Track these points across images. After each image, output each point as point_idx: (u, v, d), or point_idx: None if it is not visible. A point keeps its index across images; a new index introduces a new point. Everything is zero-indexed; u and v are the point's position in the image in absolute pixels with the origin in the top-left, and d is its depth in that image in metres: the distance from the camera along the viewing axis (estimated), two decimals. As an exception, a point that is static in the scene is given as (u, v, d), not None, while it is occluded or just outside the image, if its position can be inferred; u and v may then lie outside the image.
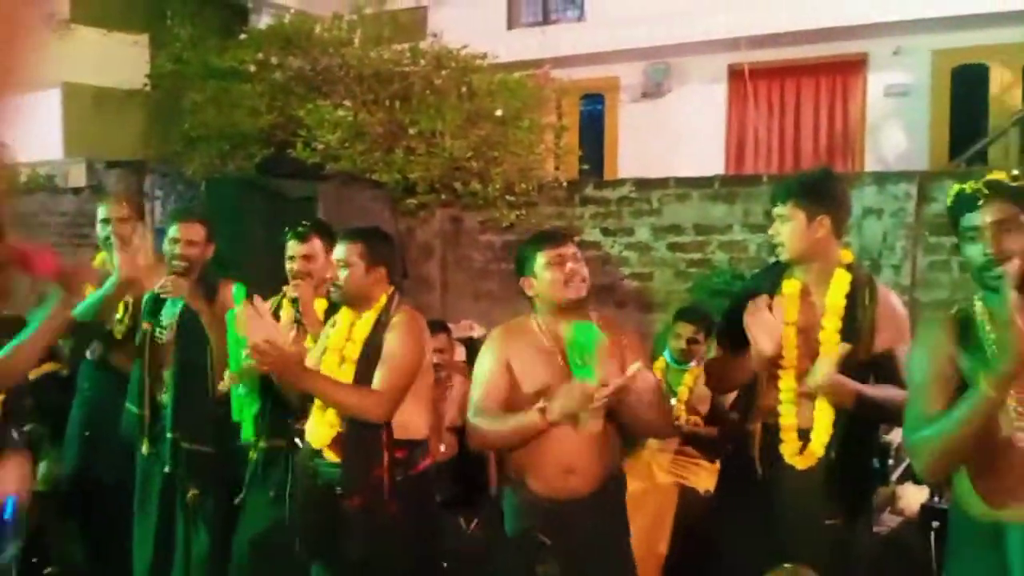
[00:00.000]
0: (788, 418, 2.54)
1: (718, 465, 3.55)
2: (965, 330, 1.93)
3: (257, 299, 2.89)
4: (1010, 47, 6.35)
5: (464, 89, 5.55)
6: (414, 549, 2.74)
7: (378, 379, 2.64)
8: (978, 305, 1.93)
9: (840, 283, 2.57)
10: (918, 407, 1.94)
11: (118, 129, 7.10)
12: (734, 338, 2.68)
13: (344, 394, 2.65)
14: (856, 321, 2.53)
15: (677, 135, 7.03)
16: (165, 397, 3.27)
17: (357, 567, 2.72)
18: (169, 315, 3.32)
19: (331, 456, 2.86)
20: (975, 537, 1.94)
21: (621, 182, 5.33)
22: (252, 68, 5.77)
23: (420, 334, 2.73)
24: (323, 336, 2.94)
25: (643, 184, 5.20)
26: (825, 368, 2.43)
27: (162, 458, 3.23)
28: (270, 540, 3.11)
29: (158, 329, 3.31)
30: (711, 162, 6.78)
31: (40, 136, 7.92)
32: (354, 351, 2.76)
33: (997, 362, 1.77)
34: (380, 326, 2.73)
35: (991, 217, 1.81)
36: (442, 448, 3.84)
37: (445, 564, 3.29)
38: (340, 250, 2.79)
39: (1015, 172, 1.90)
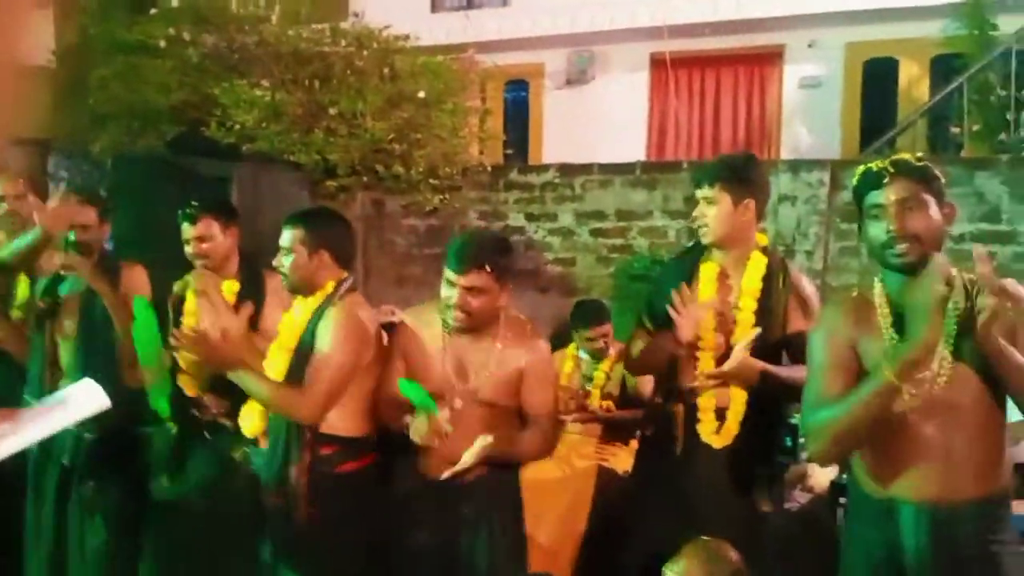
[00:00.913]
0: (706, 398, 2.60)
1: (634, 446, 3.61)
2: (865, 314, 1.97)
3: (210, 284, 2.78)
4: (919, 41, 6.59)
5: (386, 71, 5.45)
6: (332, 551, 2.62)
7: (308, 378, 2.51)
8: (876, 287, 1.98)
9: (756, 266, 2.63)
10: (816, 390, 1.97)
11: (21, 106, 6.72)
12: (654, 323, 2.72)
13: (272, 393, 2.53)
14: (771, 304, 2.60)
15: (601, 122, 7.08)
16: (64, 384, 3.13)
17: (275, 565, 2.65)
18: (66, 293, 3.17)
19: (263, 443, 2.78)
20: (870, 513, 2.00)
21: (545, 167, 5.34)
22: (162, 43, 5.54)
23: (359, 326, 2.54)
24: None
25: (567, 170, 5.22)
26: (737, 352, 2.49)
27: (59, 449, 3.09)
28: (190, 532, 3.01)
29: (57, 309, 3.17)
30: (633, 149, 6.85)
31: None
32: (290, 339, 2.64)
33: (903, 349, 1.81)
34: (316, 317, 2.62)
35: (895, 195, 1.84)
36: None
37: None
38: (282, 235, 2.66)
39: (918, 155, 1.95)
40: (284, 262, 2.63)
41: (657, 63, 7.33)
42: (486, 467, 2.52)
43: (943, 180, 1.90)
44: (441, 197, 5.37)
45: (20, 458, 3.17)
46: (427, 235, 5.53)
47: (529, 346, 2.58)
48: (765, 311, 2.59)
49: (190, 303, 3.07)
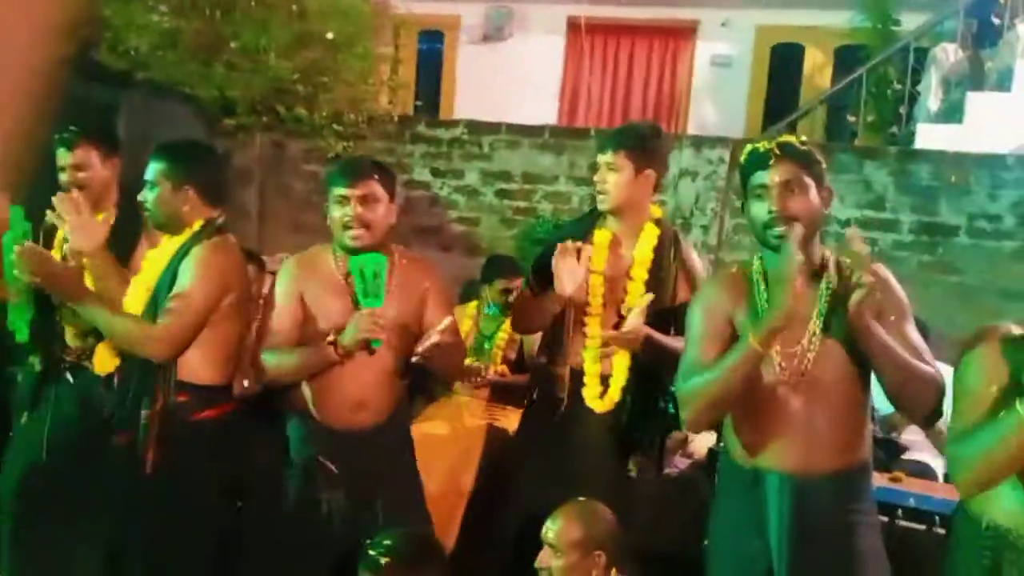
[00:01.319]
0: (592, 364, 2.65)
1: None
2: (744, 289, 2.03)
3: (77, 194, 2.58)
4: (825, 30, 6.79)
5: (295, 7, 5.22)
6: (174, 499, 2.52)
7: (162, 314, 2.40)
8: (755, 264, 2.04)
9: (649, 236, 2.68)
10: (690, 359, 2.03)
11: None
12: (541, 282, 2.72)
13: (121, 323, 2.41)
14: (661, 274, 2.66)
15: (514, 82, 7.01)
16: None
17: (118, 508, 2.54)
18: None
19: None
20: (737, 482, 2.08)
21: (454, 123, 5.26)
22: (52, -45, 5.13)
23: (223, 268, 2.46)
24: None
25: (475, 127, 5.16)
26: (633, 317, 2.53)
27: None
28: (43, 474, 2.86)
29: None
30: (545, 112, 6.83)
31: None
32: (150, 278, 2.52)
33: (765, 316, 1.87)
34: (180, 254, 2.50)
35: (779, 177, 1.90)
36: (245, 383, 3.66)
37: (240, 503, 3.13)
38: (148, 168, 2.53)
39: (803, 138, 2.00)
40: (148, 196, 2.51)
41: (574, 27, 7.30)
42: (387, 416, 2.50)
43: (824, 165, 1.96)
44: (345, 144, 5.22)
45: None
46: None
47: (427, 268, 2.61)
48: (655, 281, 2.65)
49: (60, 235, 2.88)
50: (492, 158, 5.09)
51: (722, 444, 2.19)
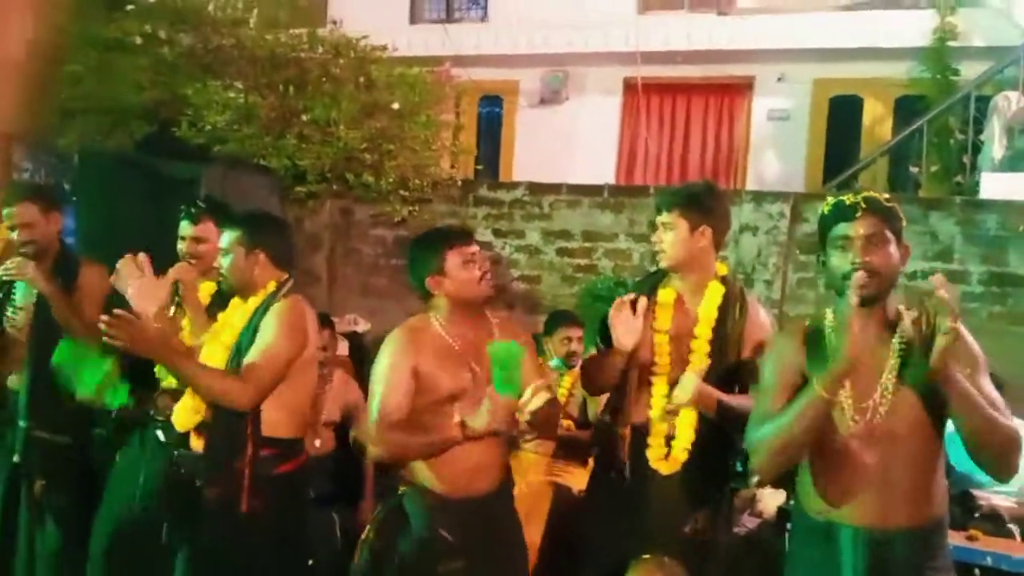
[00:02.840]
0: (657, 424, 2.62)
1: (591, 465, 3.66)
2: (816, 341, 2.04)
3: (142, 258, 2.76)
4: (883, 81, 6.78)
5: (362, 79, 5.47)
6: (271, 547, 2.65)
7: (246, 366, 2.54)
8: (828, 316, 2.06)
9: (714, 294, 2.68)
10: (761, 409, 2.06)
11: (-11, 95, 6.62)
12: (608, 340, 2.76)
13: (208, 377, 2.55)
14: (726, 332, 2.64)
15: (572, 142, 7.16)
16: (12, 381, 3.10)
17: (214, 559, 2.64)
18: (23, 298, 3.15)
19: (195, 444, 2.78)
20: (812, 535, 2.07)
21: (515, 184, 5.39)
22: (138, 40, 5.51)
23: (301, 325, 2.62)
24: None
25: (536, 188, 5.28)
26: (690, 384, 2.53)
27: (9, 448, 3.06)
28: (133, 528, 3.00)
29: (11, 309, 3.14)
30: (603, 171, 6.93)
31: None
32: (230, 337, 2.67)
33: (831, 364, 1.88)
34: (259, 314, 2.65)
35: (864, 230, 1.93)
36: (317, 443, 3.77)
37: (311, 562, 3.23)
38: (222, 236, 2.70)
39: (886, 195, 2.04)
40: (223, 263, 2.67)
41: (630, 87, 7.43)
42: (499, 483, 2.53)
43: (903, 222, 1.99)
44: (410, 209, 5.39)
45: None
46: (394, 246, 5.54)
47: (517, 329, 2.66)
48: (720, 339, 2.62)
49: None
50: (552, 217, 5.19)
51: (795, 499, 2.18)
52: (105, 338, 2.45)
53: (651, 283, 2.78)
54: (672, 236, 2.62)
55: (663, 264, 2.68)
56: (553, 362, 3.93)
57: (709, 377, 2.58)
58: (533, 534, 3.54)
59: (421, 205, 5.41)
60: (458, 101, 6.47)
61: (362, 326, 4.81)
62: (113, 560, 2.98)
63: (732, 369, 2.63)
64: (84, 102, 5.66)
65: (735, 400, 2.60)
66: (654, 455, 2.64)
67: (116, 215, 4.43)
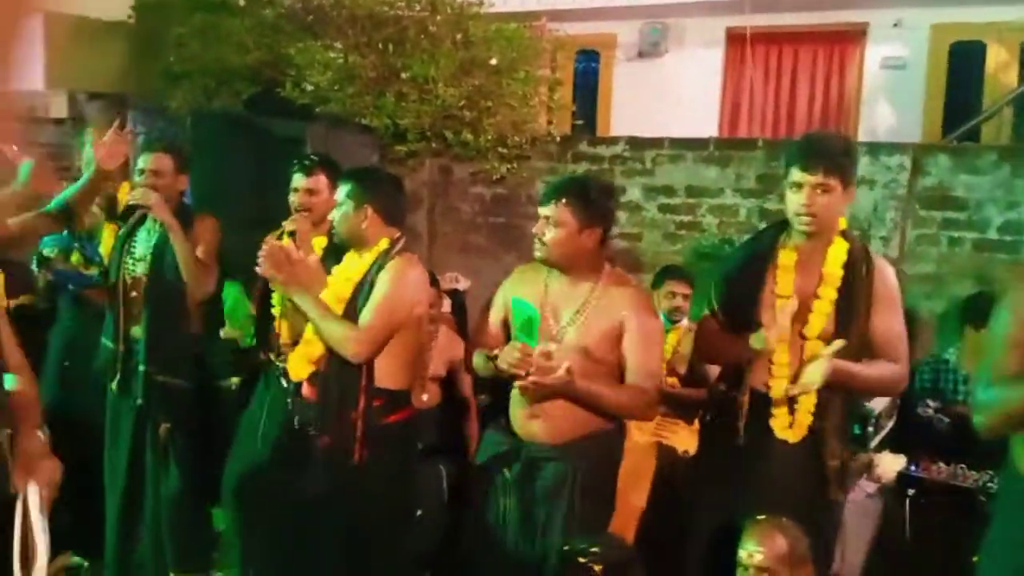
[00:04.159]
0: (780, 392, 2.53)
1: (696, 426, 3.58)
2: None
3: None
4: (1008, 26, 6.30)
5: (459, 36, 5.42)
6: (381, 496, 2.72)
7: (363, 318, 2.60)
8: None
9: (838, 253, 2.52)
10: (995, 365, 1.90)
11: (100, 61, 6.89)
12: (725, 311, 2.65)
13: (331, 321, 2.62)
14: (851, 294, 2.48)
15: (672, 96, 6.95)
16: (137, 330, 3.23)
17: (325, 508, 2.72)
18: (143, 249, 3.26)
19: (307, 393, 2.85)
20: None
21: (615, 140, 5.26)
22: (242, 2, 5.60)
23: (414, 282, 2.69)
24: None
25: (637, 143, 5.14)
26: (820, 370, 2.38)
27: (134, 392, 3.19)
28: (257, 473, 3.11)
29: (131, 261, 3.26)
30: (704, 125, 6.71)
31: (21, 66, 7.67)
32: (345, 290, 2.72)
33: None
34: (375, 269, 2.69)
35: None
36: (424, 397, 3.81)
37: (420, 512, 3.30)
38: (339, 191, 2.76)
39: None
40: (335, 214, 2.72)
41: (733, 38, 7.15)
42: (569, 438, 2.53)
43: None
44: (509, 166, 5.34)
45: (98, 400, 3.31)
46: (493, 203, 5.52)
47: (629, 297, 2.55)
48: (845, 301, 2.48)
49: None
50: (654, 173, 5.05)
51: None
52: (258, 269, 2.54)
53: (768, 242, 2.65)
54: (827, 199, 2.40)
55: (811, 229, 2.46)
56: None
57: (832, 342, 2.47)
58: (638, 494, 3.51)
59: (519, 162, 5.35)
60: (554, 56, 6.34)
61: (463, 284, 4.82)
62: (241, 502, 3.10)
63: (857, 334, 2.50)
64: (190, 64, 5.79)
65: (866, 370, 2.48)
66: (779, 424, 2.54)
67: (226, 172, 4.55)
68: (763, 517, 2.29)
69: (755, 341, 2.46)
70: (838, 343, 2.41)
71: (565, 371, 2.35)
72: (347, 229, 2.73)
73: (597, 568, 2.08)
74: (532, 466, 2.57)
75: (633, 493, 3.45)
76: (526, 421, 2.58)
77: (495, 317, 2.72)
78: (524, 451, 2.59)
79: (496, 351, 2.51)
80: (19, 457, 1.92)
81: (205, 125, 4.98)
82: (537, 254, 2.55)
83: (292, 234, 2.99)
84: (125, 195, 3.44)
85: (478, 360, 2.68)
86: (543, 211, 2.52)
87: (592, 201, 2.49)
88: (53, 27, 7.96)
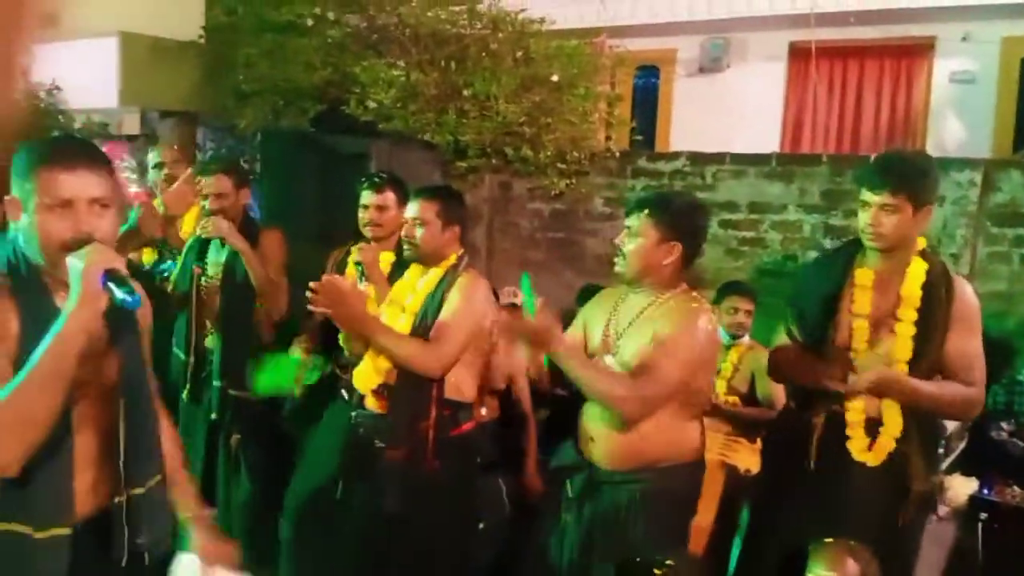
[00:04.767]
0: (856, 414, 2.48)
1: (758, 445, 3.54)
2: None
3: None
4: (1083, 38, 6.12)
5: (520, 53, 5.48)
6: (450, 507, 2.76)
7: (437, 334, 2.64)
8: None
9: (917, 273, 2.46)
10: None
11: (172, 80, 7.13)
12: (803, 332, 2.61)
13: (404, 343, 2.65)
14: (931, 314, 2.42)
15: (733, 112, 6.89)
16: (210, 342, 3.31)
17: (391, 519, 2.75)
18: (215, 261, 3.35)
19: (373, 405, 2.88)
20: None
21: (675, 155, 5.24)
22: (309, 22, 5.74)
23: (484, 297, 2.75)
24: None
25: (698, 158, 5.11)
26: (870, 366, 2.37)
27: (206, 405, 3.28)
28: (323, 485, 3.15)
29: (204, 276, 3.35)
30: (766, 141, 6.63)
31: (96, 84, 7.98)
32: (415, 304, 2.77)
33: None
34: (445, 284, 2.74)
35: None
36: (483, 411, 3.84)
37: (481, 524, 3.31)
38: (416, 207, 2.78)
39: None
40: (417, 233, 2.74)
41: (796, 52, 7.07)
42: (630, 466, 2.49)
43: None
44: (568, 182, 5.36)
45: (173, 413, 3.41)
46: (551, 219, 5.54)
47: (668, 312, 2.45)
48: (924, 321, 2.43)
49: (351, 270, 3.20)
50: (716, 188, 5.02)
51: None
52: (309, 305, 2.57)
53: (845, 260, 2.60)
54: (896, 220, 2.38)
55: (879, 245, 2.44)
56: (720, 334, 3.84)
57: (913, 363, 2.42)
58: (705, 513, 3.46)
59: (579, 178, 5.37)
60: (613, 72, 6.35)
61: (520, 298, 4.84)
62: (303, 513, 3.15)
63: (934, 355, 2.43)
64: (259, 83, 5.96)
65: (937, 390, 2.42)
66: (856, 446, 2.49)
67: (294, 188, 4.68)
68: (833, 540, 2.24)
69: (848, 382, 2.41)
70: (907, 350, 2.41)
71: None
72: (431, 247, 2.78)
73: None
74: (592, 487, 2.55)
75: (701, 512, 3.42)
76: (585, 442, 2.57)
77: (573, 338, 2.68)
78: (588, 470, 2.57)
79: None
80: (200, 539, 1.86)
81: (274, 142, 5.12)
82: (616, 267, 2.52)
83: (359, 264, 3.05)
84: (191, 221, 3.55)
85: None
86: (627, 222, 2.51)
87: (674, 215, 2.45)
88: (128, 47, 8.27)
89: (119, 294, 1.51)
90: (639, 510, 2.46)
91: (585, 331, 2.63)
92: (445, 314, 2.67)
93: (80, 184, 1.58)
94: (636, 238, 2.44)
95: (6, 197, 1.63)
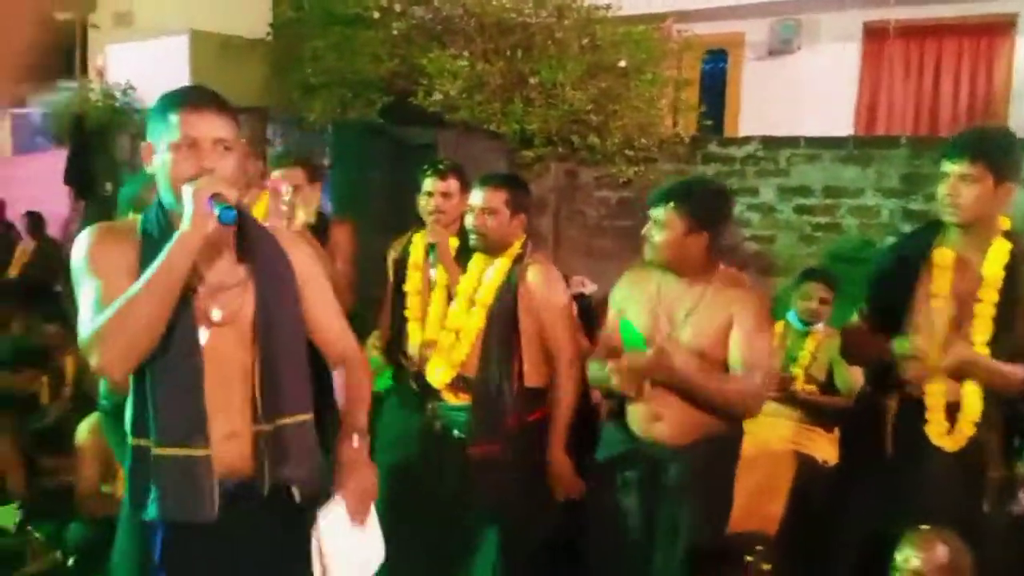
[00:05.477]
0: (935, 397, 2.41)
1: (836, 434, 3.46)
2: None
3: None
4: None
5: (586, 40, 5.43)
6: (529, 493, 2.77)
7: (561, 342, 2.75)
8: None
9: (999, 253, 2.39)
10: None
11: (241, 77, 7.29)
12: (879, 314, 2.56)
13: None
14: (1015, 296, 2.35)
15: (804, 95, 6.73)
16: None
17: (468, 506, 2.77)
18: None
19: (450, 398, 2.90)
20: None
21: (747, 140, 5.13)
22: (376, 15, 5.80)
23: (561, 282, 2.80)
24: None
25: (771, 142, 4.99)
26: (958, 348, 2.30)
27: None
28: (397, 477, 3.19)
29: None
30: (837, 125, 6.45)
31: (169, 82, 8.21)
32: (486, 296, 2.78)
33: None
34: (516, 275, 2.75)
35: None
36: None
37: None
38: (484, 196, 2.79)
39: None
40: (487, 222, 2.74)
41: (871, 33, 6.86)
42: (691, 439, 2.50)
43: None
44: (636, 169, 5.29)
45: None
46: (618, 207, 5.49)
47: (737, 295, 2.52)
48: (1007, 303, 2.35)
49: (415, 257, 3.22)
50: (789, 173, 4.90)
51: None
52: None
53: (924, 240, 2.54)
54: (974, 191, 2.31)
55: (955, 219, 2.39)
56: (790, 317, 3.77)
57: (994, 347, 2.34)
58: (776, 502, 3.41)
59: (647, 165, 5.30)
60: (680, 57, 6.26)
61: (589, 288, 4.81)
62: (382, 504, 3.17)
63: (1018, 337, 2.36)
64: (327, 77, 6.05)
65: (1007, 369, 2.34)
66: (934, 431, 2.42)
67: (364, 178, 4.74)
68: (925, 528, 2.18)
69: (898, 346, 2.37)
70: (988, 332, 2.34)
71: (656, 353, 2.35)
72: (499, 236, 2.79)
73: (766, 567, 2.04)
74: (655, 467, 2.54)
75: (771, 502, 3.36)
76: (648, 424, 2.55)
77: (610, 326, 2.70)
78: (646, 452, 2.56)
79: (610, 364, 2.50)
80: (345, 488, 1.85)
81: (345, 134, 5.20)
82: (647, 256, 2.55)
83: (432, 246, 3.05)
84: (263, 207, 3.60)
85: (592, 368, 2.65)
86: (652, 214, 2.52)
87: (699, 205, 2.47)
88: (198, 46, 8.49)
89: (218, 211, 1.65)
90: (705, 479, 2.52)
91: (620, 315, 2.63)
92: (554, 324, 2.76)
93: (205, 125, 1.71)
94: (663, 230, 2.46)
95: (142, 143, 1.80)
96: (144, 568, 1.79)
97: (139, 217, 1.83)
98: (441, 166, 3.19)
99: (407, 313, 3.14)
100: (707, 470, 2.52)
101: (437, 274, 3.03)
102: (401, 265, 3.22)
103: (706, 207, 2.49)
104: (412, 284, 3.14)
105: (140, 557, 1.79)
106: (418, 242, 3.19)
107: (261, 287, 1.81)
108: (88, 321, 1.68)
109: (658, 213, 2.48)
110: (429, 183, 3.15)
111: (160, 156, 1.74)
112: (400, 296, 3.17)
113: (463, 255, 3.04)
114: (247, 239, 1.83)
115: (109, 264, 1.72)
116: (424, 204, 3.16)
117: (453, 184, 3.14)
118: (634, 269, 2.72)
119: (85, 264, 1.74)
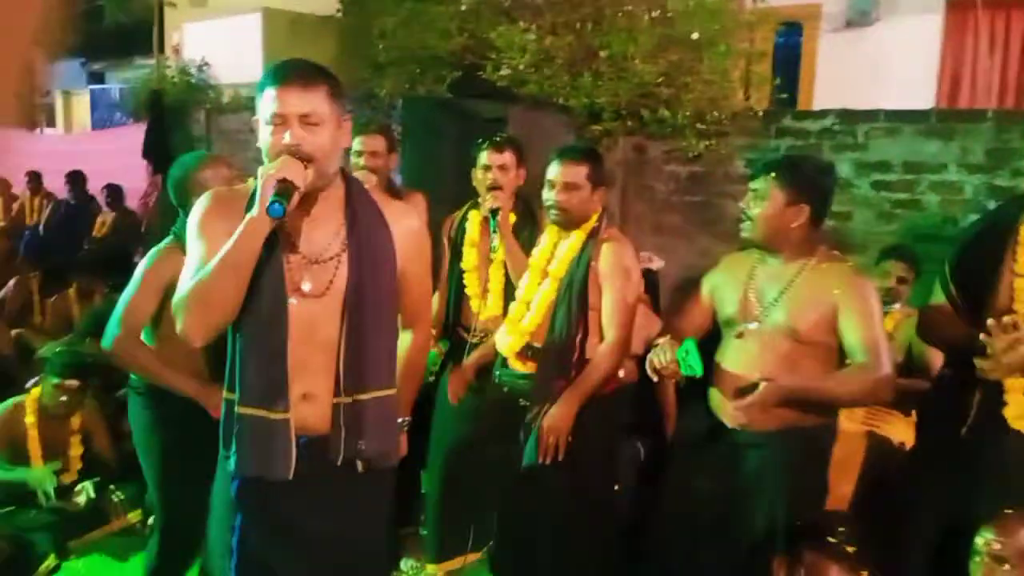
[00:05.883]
0: (1014, 379, 2.33)
1: (913, 417, 3.37)
2: None
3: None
4: None
5: (657, 12, 5.34)
6: (591, 467, 2.78)
7: (614, 323, 2.76)
8: None
9: None
10: None
11: (312, 53, 7.34)
12: (961, 291, 2.48)
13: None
14: None
15: (881, 69, 6.49)
16: None
17: (533, 477, 2.80)
18: None
19: (517, 365, 2.93)
20: None
21: (823, 113, 4.98)
22: (446, -11, 5.81)
23: (635, 260, 2.81)
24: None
25: (848, 116, 4.84)
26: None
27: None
28: (459, 444, 3.24)
29: None
30: (917, 98, 6.22)
31: (242, 59, 8.39)
32: (560, 270, 2.79)
33: None
34: (590, 249, 2.75)
35: None
36: (622, 374, 3.82)
37: (617, 486, 3.32)
38: (565, 171, 2.79)
39: None
40: (569, 197, 2.74)
41: (954, 4, 6.58)
42: (776, 426, 2.45)
43: None
44: (707, 143, 5.20)
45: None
46: (688, 182, 5.41)
47: (840, 275, 2.44)
48: None
49: (472, 234, 3.24)
50: (867, 148, 4.74)
51: None
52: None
53: (1009, 216, 2.44)
54: None
55: None
56: None
57: None
58: (846, 483, 3.35)
59: (718, 139, 5.20)
60: (753, 29, 6.10)
61: (656, 263, 4.78)
62: (447, 470, 3.24)
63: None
64: (396, 52, 6.09)
65: None
66: (1013, 412, 2.35)
67: (434, 153, 4.78)
68: (1011, 510, 2.13)
69: (980, 363, 2.26)
70: None
71: (761, 392, 2.30)
72: (582, 211, 2.80)
73: (850, 549, 2.02)
74: (735, 451, 2.52)
75: (841, 482, 3.31)
76: (723, 404, 2.53)
77: (695, 306, 2.69)
78: (727, 435, 2.54)
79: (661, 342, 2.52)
80: None
81: (416, 109, 5.23)
82: (743, 232, 2.49)
83: (494, 213, 3.06)
84: None
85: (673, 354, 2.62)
86: (752, 185, 2.47)
87: (801, 177, 2.41)
88: (271, 23, 8.63)
89: (269, 202, 1.67)
90: (788, 469, 2.46)
91: (713, 298, 2.60)
92: (611, 292, 2.75)
93: (289, 101, 1.75)
94: (762, 201, 2.41)
95: (253, 119, 1.85)
96: (231, 505, 1.91)
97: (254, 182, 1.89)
98: (498, 138, 3.20)
99: (467, 291, 3.18)
100: (791, 461, 2.48)
101: (497, 245, 3.04)
102: (457, 242, 3.25)
103: (808, 179, 2.43)
104: (468, 261, 3.18)
105: (228, 495, 1.91)
106: (473, 218, 3.21)
107: (356, 262, 1.84)
108: (184, 284, 1.75)
109: (757, 184, 2.44)
110: (485, 156, 3.17)
111: (261, 130, 1.81)
112: (457, 273, 3.21)
113: (520, 229, 3.05)
114: (352, 211, 1.86)
115: (217, 230, 1.78)
116: (481, 177, 3.18)
117: (509, 157, 3.15)
118: (733, 253, 2.70)
119: (195, 227, 1.82)
